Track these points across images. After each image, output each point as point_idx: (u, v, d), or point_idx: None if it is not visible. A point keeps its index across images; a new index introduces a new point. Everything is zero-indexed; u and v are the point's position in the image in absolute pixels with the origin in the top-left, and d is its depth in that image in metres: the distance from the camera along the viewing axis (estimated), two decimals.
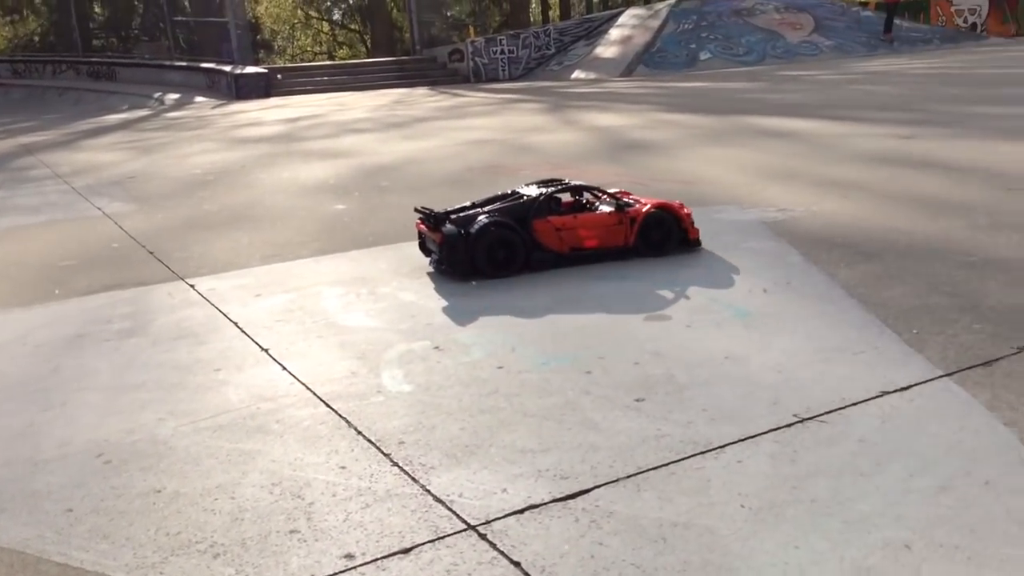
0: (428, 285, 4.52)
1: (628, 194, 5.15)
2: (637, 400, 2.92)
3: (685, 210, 4.86)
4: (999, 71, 16.47)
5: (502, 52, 30.06)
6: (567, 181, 5.12)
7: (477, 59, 29.98)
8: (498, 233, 4.57)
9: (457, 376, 3.26)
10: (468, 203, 4.92)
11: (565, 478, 2.44)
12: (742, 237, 5.10)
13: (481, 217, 4.58)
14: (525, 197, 4.82)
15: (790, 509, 2.20)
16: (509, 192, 5.00)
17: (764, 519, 2.17)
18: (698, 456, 2.51)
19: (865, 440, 2.53)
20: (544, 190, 4.89)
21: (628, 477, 2.42)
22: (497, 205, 4.82)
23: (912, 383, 2.89)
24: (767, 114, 12.22)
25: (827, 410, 2.74)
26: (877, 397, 2.81)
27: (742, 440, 2.59)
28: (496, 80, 29.30)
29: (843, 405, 2.77)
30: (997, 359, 3.03)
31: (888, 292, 3.88)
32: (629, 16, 30.25)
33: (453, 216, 4.65)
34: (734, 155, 8.55)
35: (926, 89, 14.06)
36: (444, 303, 4.21)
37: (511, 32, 31.79)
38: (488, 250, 4.56)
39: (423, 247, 4.92)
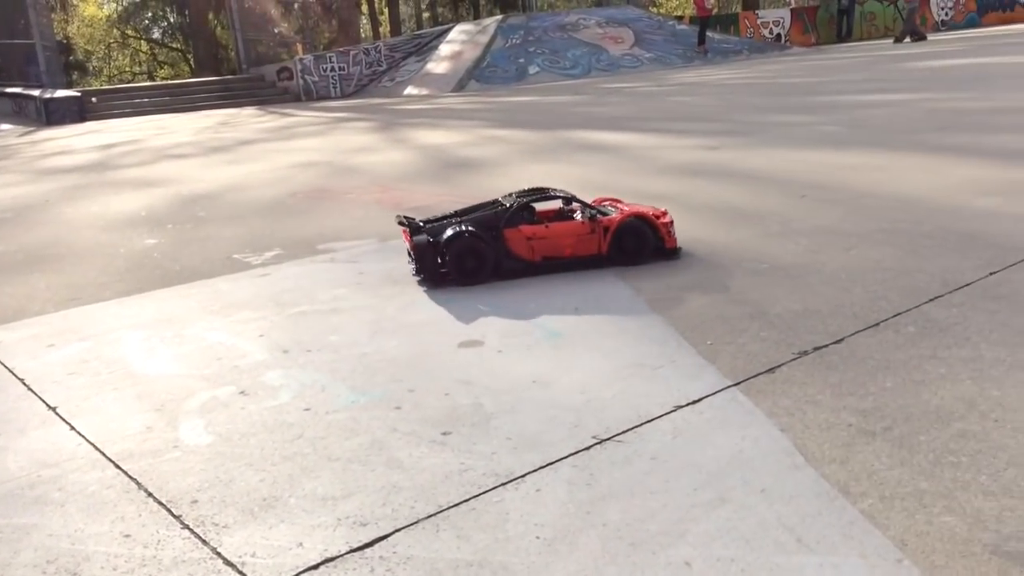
0: (240, 322, 4.35)
1: (619, 201, 5.24)
2: (444, 434, 2.91)
3: (665, 219, 4.87)
4: (798, 80, 17.75)
5: (332, 69, 29.64)
6: (551, 191, 5.14)
7: (307, 77, 29.43)
8: (466, 242, 4.75)
9: (262, 422, 3.14)
10: (449, 212, 5.17)
11: (364, 525, 2.39)
12: None
13: (452, 227, 4.81)
14: (499, 207, 5.03)
15: (583, 536, 2.25)
16: (491, 201, 5.20)
17: (557, 549, 2.20)
18: (499, 488, 2.52)
19: (657, 457, 2.62)
20: (518, 200, 5.00)
21: (428, 517, 2.40)
22: (474, 215, 5.00)
23: (703, 395, 3.03)
24: (590, 128, 12.62)
25: (624, 429, 2.83)
26: (671, 412, 2.93)
27: (542, 467, 2.62)
28: (328, 98, 28.84)
29: (640, 423, 2.87)
30: (779, 365, 3.23)
31: (689, 304, 4.06)
32: (459, 32, 30.55)
33: (426, 225, 4.89)
34: (557, 171, 8.77)
35: (733, 99, 14.95)
36: (255, 341, 4.06)
37: (341, 49, 31.41)
38: (457, 259, 4.74)
39: (409, 255, 5.13)
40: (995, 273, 4.01)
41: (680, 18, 35.59)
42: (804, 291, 4.07)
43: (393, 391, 3.32)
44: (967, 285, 3.90)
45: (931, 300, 3.76)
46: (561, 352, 3.60)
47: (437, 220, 5.06)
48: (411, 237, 4.91)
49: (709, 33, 30.10)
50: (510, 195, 5.21)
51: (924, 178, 6.42)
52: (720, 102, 14.76)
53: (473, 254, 4.81)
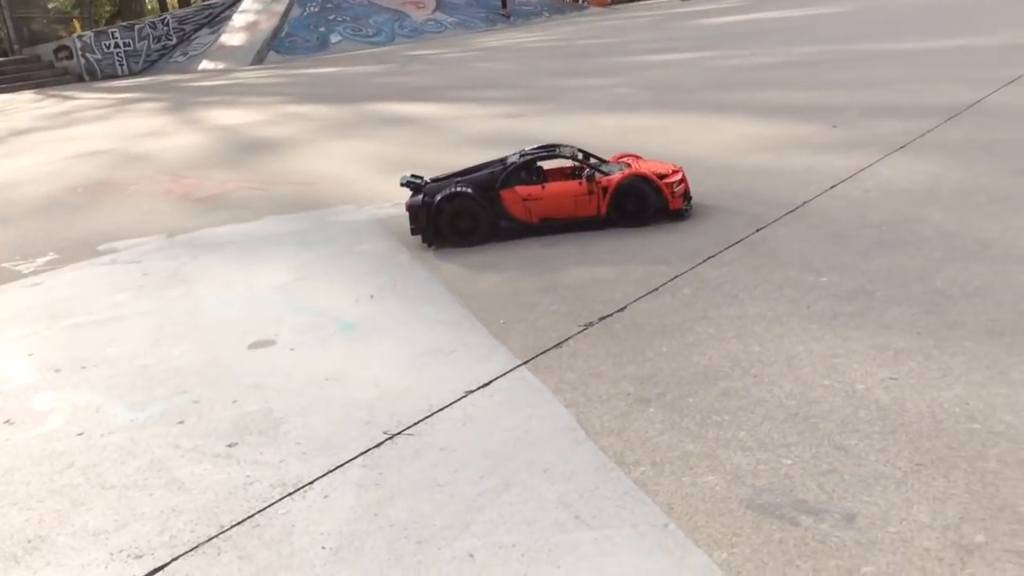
0: (6, 341, 3.98)
1: (637, 158, 5.01)
2: (230, 446, 2.80)
3: (672, 178, 4.62)
4: (595, 41, 18.27)
5: (117, 46, 27.61)
6: (560, 147, 4.91)
7: (88, 55, 27.28)
8: (460, 203, 4.65)
9: (28, 454, 2.90)
10: (455, 171, 5.02)
11: (140, 557, 2.26)
12: (356, 239, 5.12)
13: (448, 187, 4.70)
14: (503, 166, 4.88)
15: (369, 540, 2.23)
16: (498, 160, 5.00)
17: (344, 558, 2.17)
18: (285, 499, 2.46)
19: (447, 447, 2.64)
20: (519, 159, 4.86)
21: (209, 540, 2.30)
22: (472, 176, 4.83)
23: (493, 377, 3.07)
24: (393, 99, 12.45)
25: (416, 420, 2.82)
26: (462, 398, 2.95)
27: (332, 471, 2.58)
28: (114, 77, 26.88)
29: (431, 412, 2.87)
30: (567, 339, 3.32)
31: (483, 282, 4.10)
32: (251, 2, 29.20)
33: (428, 185, 4.82)
34: (357, 148, 8.60)
35: (534, 63, 15.19)
36: (23, 362, 3.73)
37: (124, 24, 29.26)
38: (451, 220, 4.68)
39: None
40: (760, 229, 4.30)
41: None
42: (593, 261, 4.21)
43: (176, 404, 3.15)
44: (737, 243, 4.16)
45: (705, 260, 3.99)
46: (355, 345, 3.54)
47: (441, 179, 4.97)
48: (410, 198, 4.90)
49: None
50: (519, 152, 5.02)
51: (705, 137, 6.78)
52: (521, 67, 14.95)
53: (467, 215, 4.76)
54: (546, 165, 4.99)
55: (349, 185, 6.73)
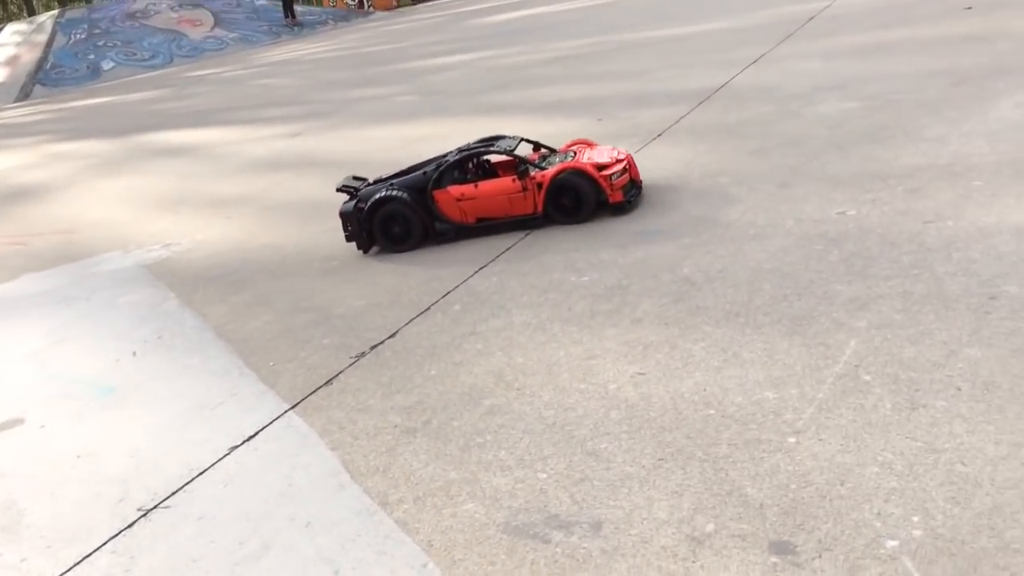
0: None
1: (590, 145, 4.69)
2: None
3: (610, 168, 4.30)
4: (379, 48, 18.13)
5: None
6: (499, 141, 4.60)
7: None
8: (391, 208, 4.47)
9: None
10: (393, 172, 4.80)
11: None
12: (120, 290, 4.80)
13: (380, 191, 4.50)
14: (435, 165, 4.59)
15: None
16: (437, 157, 4.73)
17: None
18: None
19: (205, 516, 2.50)
20: (450, 157, 4.59)
21: None
22: (405, 178, 4.61)
23: (260, 428, 2.96)
24: (169, 127, 11.82)
25: (173, 490, 2.67)
26: (225, 456, 2.81)
27: (77, 564, 2.38)
28: None
29: (191, 478, 2.72)
30: (337, 375, 3.25)
31: (255, 322, 3.95)
32: (10, 33, 26.94)
33: (363, 189, 4.64)
34: (128, 185, 8.09)
35: (318, 76, 14.88)
36: None
37: None
38: (383, 225, 4.50)
39: None
40: (529, 233, 4.39)
41: None
42: (368, 285, 4.15)
43: None
44: (508, 250, 4.23)
45: (476, 272, 4.02)
46: (113, 412, 3.31)
47: (378, 182, 4.73)
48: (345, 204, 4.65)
49: (296, 7, 29.62)
50: (457, 149, 4.71)
51: None
52: (305, 81, 14.61)
53: (400, 220, 4.53)
54: (495, 159, 4.76)
55: (117, 229, 6.32)
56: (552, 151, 4.69)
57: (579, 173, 4.27)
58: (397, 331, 3.53)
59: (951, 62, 5.89)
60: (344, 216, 4.61)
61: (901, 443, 2.18)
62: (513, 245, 4.27)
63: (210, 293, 4.48)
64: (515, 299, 3.61)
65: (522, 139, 4.69)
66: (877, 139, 4.66)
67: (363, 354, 3.38)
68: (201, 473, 2.73)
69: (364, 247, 4.62)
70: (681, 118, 6.15)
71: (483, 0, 27.27)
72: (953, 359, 2.49)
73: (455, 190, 4.46)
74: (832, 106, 5.50)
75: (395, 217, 4.51)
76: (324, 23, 29.70)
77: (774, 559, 1.89)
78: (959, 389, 2.34)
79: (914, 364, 2.51)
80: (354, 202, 4.60)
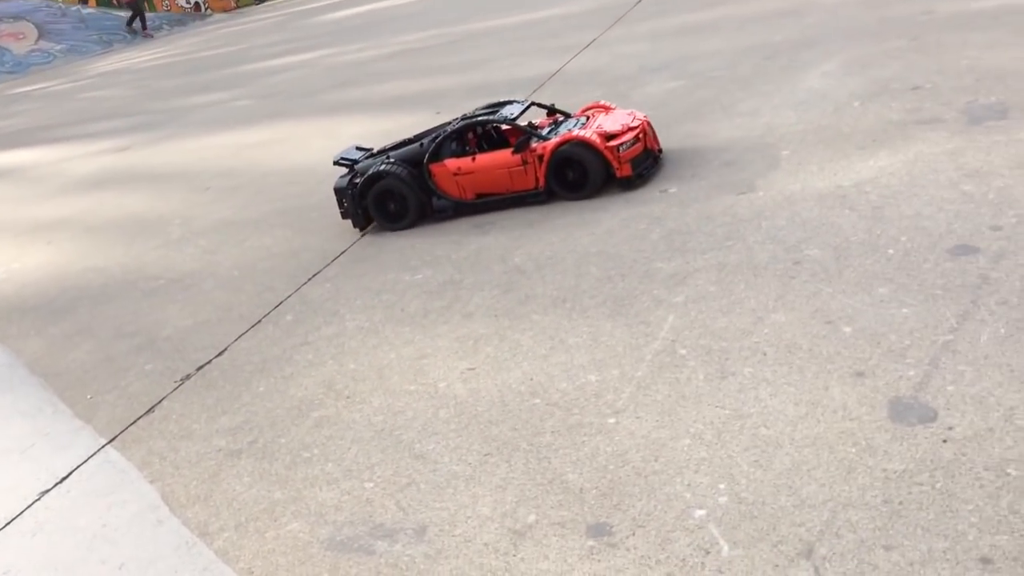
0: None
1: (607, 109, 4.22)
2: None
3: (620, 138, 3.85)
4: (216, 52, 17.46)
5: None
6: (509, 105, 4.22)
7: None
8: (385, 183, 4.11)
9: None
10: (396, 141, 4.47)
11: None
12: None
13: (375, 165, 4.15)
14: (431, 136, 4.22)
15: None
16: (441, 125, 4.38)
17: None
18: None
19: (10, 571, 2.32)
20: (451, 125, 4.21)
21: None
22: (402, 150, 4.26)
23: (74, 467, 2.77)
24: None
25: None
26: (36, 502, 2.62)
27: None
28: None
29: None
30: (160, 401, 3.08)
31: (74, 353, 3.70)
32: None
33: (358, 163, 4.34)
34: None
35: (150, 85, 14.17)
36: None
37: None
38: (377, 202, 4.16)
39: None
40: (365, 234, 4.30)
41: (85, 1, 32.66)
42: (197, 302, 3.96)
43: None
44: (342, 253, 4.13)
45: (311, 279, 3.91)
46: None
47: (381, 153, 4.37)
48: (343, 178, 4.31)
49: (121, 13, 28.11)
50: (462, 116, 4.31)
51: (319, 143, 6.68)
52: (136, 91, 13.88)
53: (396, 195, 4.15)
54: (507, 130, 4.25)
55: None
56: (566, 116, 4.23)
57: (583, 144, 3.82)
58: (225, 348, 3.39)
59: (765, 37, 6.16)
60: (338, 192, 4.30)
61: (711, 412, 2.24)
62: (349, 247, 4.18)
63: (25, 326, 4.18)
64: (349, 303, 3.53)
65: (532, 103, 4.27)
66: (698, 116, 4.82)
67: (188, 376, 3.23)
68: (7, 524, 2.54)
69: (360, 225, 4.31)
70: None
71: None
72: (760, 325, 2.58)
73: (452, 163, 4.07)
74: (657, 86, 5.65)
75: (390, 193, 4.16)
76: (159, 28, 28.38)
77: (591, 542, 1.91)
78: (765, 354, 2.44)
79: (725, 334, 2.59)
80: (349, 177, 4.28)
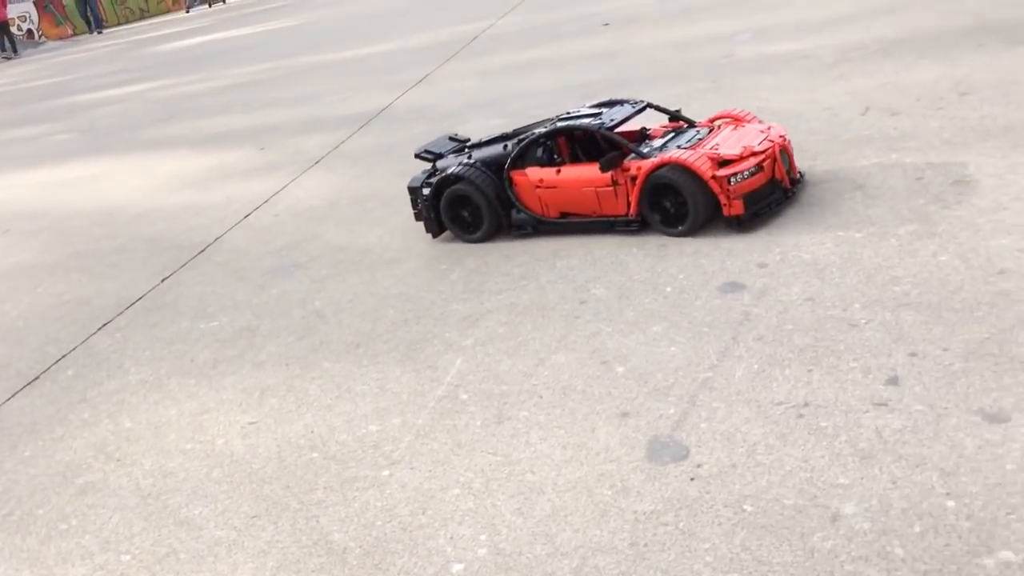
0: None
1: (740, 120, 3.48)
2: None
3: (736, 166, 3.10)
4: (46, 82, 16.49)
5: None
6: (626, 106, 3.55)
7: None
8: (459, 188, 3.60)
9: None
10: (499, 133, 3.85)
11: None
12: None
13: (454, 165, 3.65)
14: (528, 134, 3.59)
15: None
16: (545, 120, 3.77)
17: None
18: None
19: None
20: (538, 129, 3.61)
21: None
22: (488, 150, 3.69)
23: None
24: None
25: None
26: None
27: None
28: None
29: None
30: None
31: None
32: None
33: (443, 157, 3.82)
34: None
35: None
36: None
37: None
38: (450, 208, 3.67)
39: None
40: (166, 279, 4.11)
41: None
42: None
43: None
44: (138, 300, 3.92)
45: (100, 329, 3.68)
46: None
47: (475, 147, 3.80)
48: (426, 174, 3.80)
49: None
50: (558, 117, 3.69)
51: (135, 182, 6.38)
52: None
53: (470, 203, 3.61)
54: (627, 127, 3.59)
55: None
56: (690, 124, 3.58)
57: (684, 169, 3.15)
58: None
59: (585, 76, 6.35)
60: (411, 191, 3.81)
61: (483, 460, 2.23)
62: (147, 293, 3.97)
63: None
64: (136, 355, 3.34)
65: (648, 105, 3.59)
66: None
67: None
68: None
69: (433, 231, 3.82)
70: (341, 143, 6.11)
71: (168, 26, 25.81)
72: (541, 367, 2.61)
73: (535, 173, 3.54)
74: (479, 123, 5.71)
75: (465, 199, 3.65)
76: None
77: None
78: (541, 397, 2.46)
79: (508, 377, 2.60)
80: (427, 173, 3.79)
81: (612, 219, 3.41)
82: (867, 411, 2.07)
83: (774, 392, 2.22)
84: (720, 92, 5.05)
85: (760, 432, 2.08)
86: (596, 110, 3.55)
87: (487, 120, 5.74)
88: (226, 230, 4.68)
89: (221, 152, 6.73)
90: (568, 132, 3.54)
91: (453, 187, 3.63)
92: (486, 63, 7.88)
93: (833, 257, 2.82)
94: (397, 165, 5.19)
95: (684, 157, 3.13)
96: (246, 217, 4.84)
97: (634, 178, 3.26)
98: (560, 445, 2.22)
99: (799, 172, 3.43)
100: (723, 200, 3.13)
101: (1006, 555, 1.59)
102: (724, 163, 3.14)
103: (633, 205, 3.31)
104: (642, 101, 3.54)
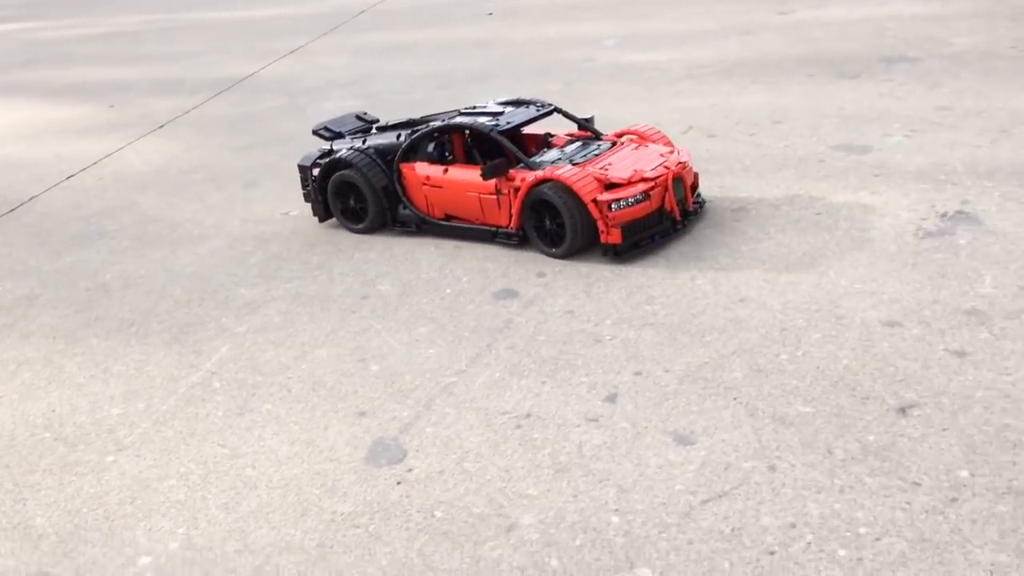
0: None
1: (644, 140, 3.24)
2: None
3: (623, 191, 2.86)
4: None
5: None
6: (535, 107, 3.31)
7: None
8: (345, 175, 3.34)
9: None
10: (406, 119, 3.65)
11: None
12: None
13: (345, 149, 3.39)
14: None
15: None
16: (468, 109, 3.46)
17: None
18: None
19: None
20: (434, 122, 3.37)
21: None
22: (383, 137, 3.47)
23: None
24: None
25: None
26: None
27: None
28: None
29: None
30: None
31: None
32: None
33: (342, 136, 3.61)
34: None
35: None
36: None
37: None
38: (336, 194, 3.41)
39: None
40: None
41: None
42: None
43: None
44: None
45: None
46: None
47: (384, 130, 3.59)
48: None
49: None
50: (460, 111, 3.45)
51: None
52: None
53: (356, 192, 3.34)
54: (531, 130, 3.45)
55: None
56: (596, 136, 3.37)
57: (564, 188, 2.93)
58: None
59: (451, 65, 6.35)
60: (301, 170, 3.56)
61: (210, 451, 2.23)
62: None
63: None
64: None
65: (555, 110, 3.37)
66: None
67: None
68: None
69: (319, 215, 3.57)
70: (193, 108, 5.94)
71: None
72: (301, 360, 2.62)
73: (423, 169, 3.29)
74: (334, 103, 5.65)
75: (352, 187, 3.38)
76: None
77: None
78: (290, 391, 2.47)
79: (266, 368, 2.60)
80: (320, 154, 3.51)
81: (495, 229, 3.19)
82: (579, 425, 2.16)
83: (504, 401, 2.29)
84: (569, 96, 5.13)
85: (477, 440, 2.15)
86: (500, 108, 3.35)
87: (341, 101, 5.69)
88: (44, 190, 4.51)
89: (69, 106, 6.45)
90: (461, 130, 3.34)
91: (341, 173, 3.38)
92: (363, 40, 7.78)
93: (606, 272, 2.92)
94: (237, 139, 5.10)
95: (567, 175, 2.92)
96: (69, 178, 4.67)
97: (518, 189, 3.04)
98: (289, 441, 2.24)
99: (696, 203, 3.21)
100: (601, 227, 2.92)
101: (644, 572, 1.69)
102: (612, 186, 2.95)
103: (514, 218, 3.08)
104: (550, 104, 3.36)
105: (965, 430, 1.95)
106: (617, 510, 1.86)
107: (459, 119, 3.31)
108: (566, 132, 3.53)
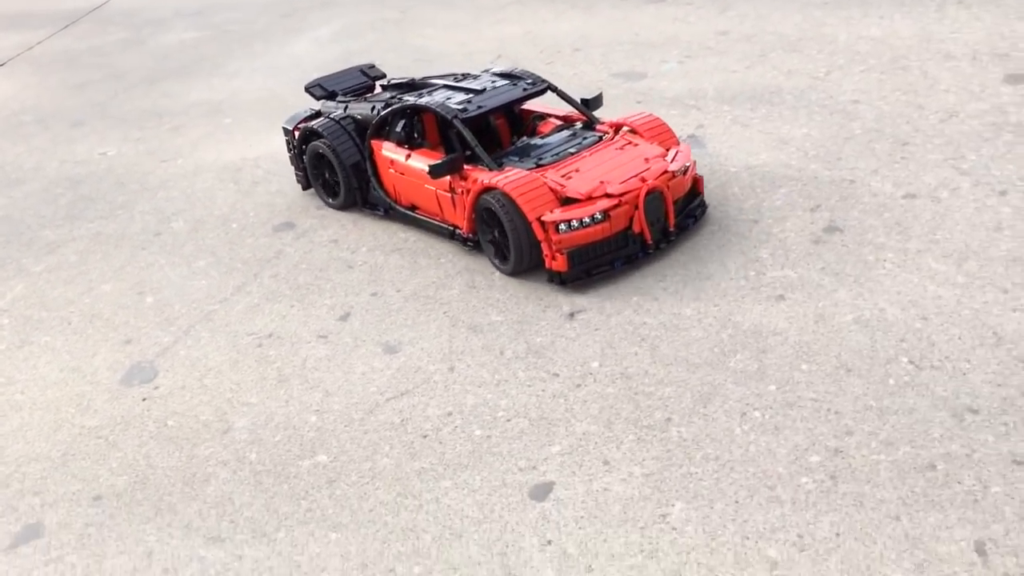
0: None
1: (643, 136, 2.71)
2: None
3: (576, 209, 2.44)
4: None
5: None
6: (520, 82, 2.96)
7: None
8: (318, 146, 3.10)
9: None
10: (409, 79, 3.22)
11: None
12: None
13: (323, 118, 3.12)
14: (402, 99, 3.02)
15: None
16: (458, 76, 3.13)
17: None
18: None
19: None
20: (409, 97, 3.01)
21: None
22: (359, 106, 3.12)
23: None
24: None
25: None
26: None
27: None
28: None
29: None
30: None
31: None
32: None
33: (333, 97, 3.31)
34: None
35: None
36: None
37: None
38: (312, 166, 3.18)
39: None
40: None
41: None
42: None
43: None
44: None
45: None
46: None
47: (390, 88, 3.25)
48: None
49: None
50: (490, 74, 3.05)
51: None
52: None
53: (330, 166, 3.11)
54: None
55: None
56: (588, 124, 2.96)
57: (508, 200, 2.53)
58: None
59: None
60: (285, 132, 3.32)
61: None
62: None
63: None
64: None
65: (549, 87, 2.95)
66: (187, 73, 5.01)
67: None
68: None
69: (302, 183, 3.32)
70: (36, 44, 5.96)
71: None
72: (86, 296, 2.89)
73: (390, 150, 2.96)
74: (176, 36, 5.74)
75: (325, 160, 3.12)
76: None
77: None
78: (70, 324, 2.75)
79: (53, 304, 2.87)
80: (306, 115, 3.28)
81: (452, 228, 2.84)
82: (309, 342, 2.51)
83: (254, 324, 2.62)
84: (400, 26, 5.32)
85: (220, 359, 2.48)
86: (490, 82, 2.96)
87: (183, 33, 5.78)
88: None
89: None
90: (426, 111, 2.93)
91: (313, 143, 3.09)
92: None
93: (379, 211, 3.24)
94: (75, 76, 5.19)
95: (513, 186, 2.52)
96: None
97: (469, 191, 2.68)
98: (59, 368, 2.54)
99: (690, 217, 2.75)
100: (545, 250, 2.52)
101: (321, 458, 2.07)
102: (568, 200, 2.54)
103: (466, 223, 2.73)
104: (544, 83, 2.94)
105: (612, 330, 2.35)
106: (318, 411, 2.22)
107: (424, 99, 2.90)
108: (560, 115, 3.06)
